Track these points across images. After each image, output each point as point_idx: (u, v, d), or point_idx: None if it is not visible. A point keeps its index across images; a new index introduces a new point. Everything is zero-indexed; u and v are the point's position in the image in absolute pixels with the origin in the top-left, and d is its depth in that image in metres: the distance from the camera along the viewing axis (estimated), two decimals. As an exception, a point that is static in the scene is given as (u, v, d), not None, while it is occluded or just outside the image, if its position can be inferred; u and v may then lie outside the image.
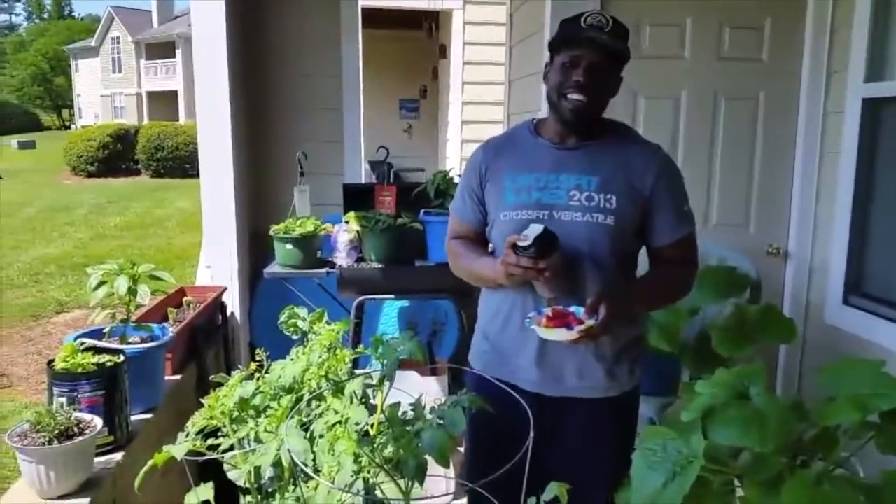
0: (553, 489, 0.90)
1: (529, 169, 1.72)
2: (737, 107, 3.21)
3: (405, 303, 3.28)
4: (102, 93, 36.61)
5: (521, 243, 1.53)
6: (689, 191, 3.21)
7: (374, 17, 6.01)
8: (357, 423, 1.14)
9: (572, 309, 1.59)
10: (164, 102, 31.82)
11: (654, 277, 1.79)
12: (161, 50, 32.88)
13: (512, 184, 1.73)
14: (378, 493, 1.11)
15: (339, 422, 1.16)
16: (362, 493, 1.01)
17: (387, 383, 1.31)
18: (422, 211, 2.73)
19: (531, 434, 0.97)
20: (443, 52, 7.07)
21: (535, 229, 1.53)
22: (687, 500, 1.28)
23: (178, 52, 31.36)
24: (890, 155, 2.82)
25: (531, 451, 1.58)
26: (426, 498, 1.01)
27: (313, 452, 1.20)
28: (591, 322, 1.55)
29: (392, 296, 2.88)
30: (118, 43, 36.01)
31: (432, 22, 7.66)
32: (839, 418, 1.26)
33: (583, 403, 1.73)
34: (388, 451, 1.16)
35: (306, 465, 0.99)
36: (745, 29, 3.15)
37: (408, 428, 1.09)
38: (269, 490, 1.46)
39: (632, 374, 1.79)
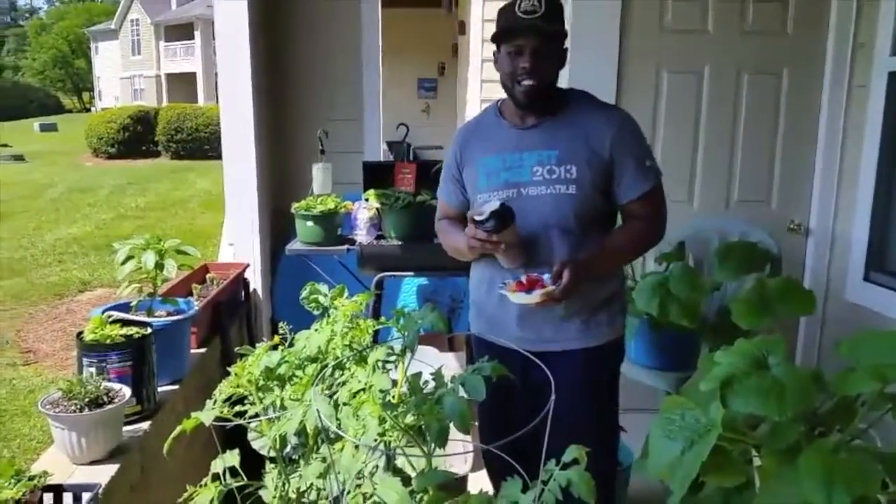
0: (573, 451, 0.91)
1: (495, 151, 1.87)
2: (760, 81, 3.18)
3: (424, 280, 3.30)
4: (122, 75, 36.83)
5: (477, 218, 1.68)
6: (710, 167, 3.21)
7: (391, -4, 5.98)
8: (381, 391, 1.16)
9: (545, 276, 1.74)
10: (183, 84, 31.96)
11: (621, 235, 1.92)
12: (180, 32, 32.96)
13: (482, 167, 1.88)
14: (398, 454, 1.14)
15: (364, 389, 1.18)
16: (388, 451, 1.04)
17: (408, 354, 1.33)
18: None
19: (552, 396, 0.99)
20: (462, 28, 7.03)
21: (493, 205, 1.67)
22: (704, 469, 1.29)
23: (197, 34, 31.44)
24: (915, 129, 2.78)
25: (524, 405, 1.69)
26: (448, 455, 1.03)
27: (338, 419, 1.22)
28: (551, 287, 1.70)
29: (411, 273, 2.91)
30: (137, 25, 36.14)
31: (452, -2, 7.61)
32: (858, 388, 1.26)
33: (564, 356, 1.83)
34: (410, 418, 1.18)
35: (332, 427, 1.02)
36: (769, 2, 3.11)
37: (431, 395, 1.11)
38: (293, 458, 1.50)
39: (611, 325, 1.91)
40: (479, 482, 2.01)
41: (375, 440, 1.05)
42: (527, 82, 1.77)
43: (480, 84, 6.00)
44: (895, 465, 1.25)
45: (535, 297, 1.70)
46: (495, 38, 1.83)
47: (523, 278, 1.76)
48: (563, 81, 2.29)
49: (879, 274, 2.87)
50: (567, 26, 1.89)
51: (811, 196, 3.25)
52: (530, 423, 1.78)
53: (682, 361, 2.61)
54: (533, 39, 1.75)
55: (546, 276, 1.73)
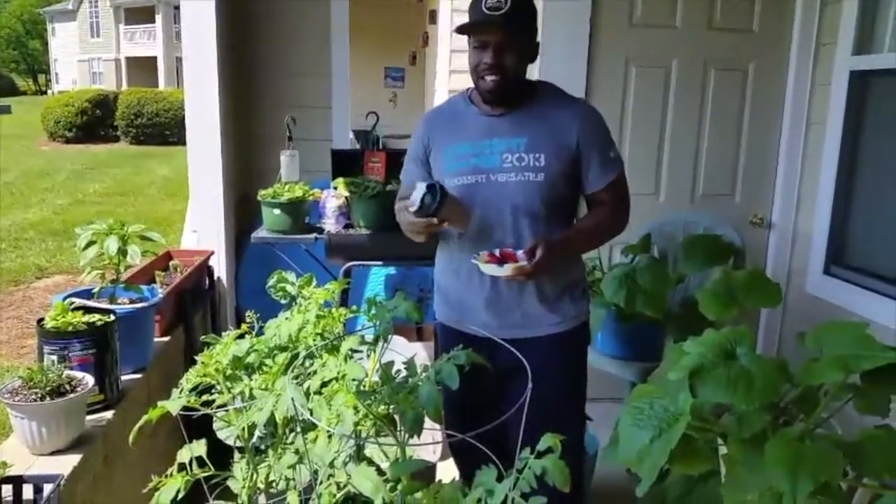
0: (548, 440, 0.92)
1: (466, 137, 1.89)
2: (726, 77, 3.23)
3: (391, 269, 3.29)
4: (80, 57, 35.85)
5: (412, 209, 1.69)
6: (676, 160, 3.27)
7: (360, -17, 5.92)
8: (354, 380, 1.15)
9: (518, 252, 1.78)
10: (143, 68, 31.26)
11: (586, 222, 1.98)
12: (141, 15, 32.18)
13: (451, 152, 1.89)
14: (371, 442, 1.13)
15: (336, 378, 1.17)
16: (362, 440, 1.03)
17: (381, 343, 1.33)
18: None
19: (529, 385, 0.99)
20: (433, 17, 7.00)
21: (420, 190, 1.67)
22: (672, 457, 1.31)
23: (159, 18, 30.75)
24: (875, 127, 2.85)
25: (492, 391, 1.70)
26: (420, 444, 1.02)
27: (309, 409, 1.21)
28: (523, 262, 1.73)
29: (380, 262, 2.89)
30: (96, 6, 35.18)
31: (422, -13, 7.57)
32: (823, 377, 1.29)
33: (532, 342, 1.84)
34: (383, 407, 1.17)
35: (308, 416, 1.01)
36: (737, -1, 3.16)
37: (407, 383, 1.10)
38: (261, 447, 1.48)
39: (576, 309, 1.95)
40: (447, 470, 2.01)
41: (350, 429, 1.04)
42: (488, 77, 1.80)
43: (449, 74, 6.00)
44: (856, 453, 1.29)
45: (507, 269, 1.73)
46: (461, 31, 1.84)
47: (497, 252, 1.79)
48: (534, 75, 2.31)
49: (839, 268, 2.95)
50: (538, 21, 1.90)
51: (774, 190, 3.31)
52: (497, 407, 1.80)
53: (646, 351, 2.65)
54: (495, 35, 1.77)
55: (519, 252, 1.77)
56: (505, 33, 1.77)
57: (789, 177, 3.25)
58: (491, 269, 1.75)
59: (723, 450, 1.43)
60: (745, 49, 3.21)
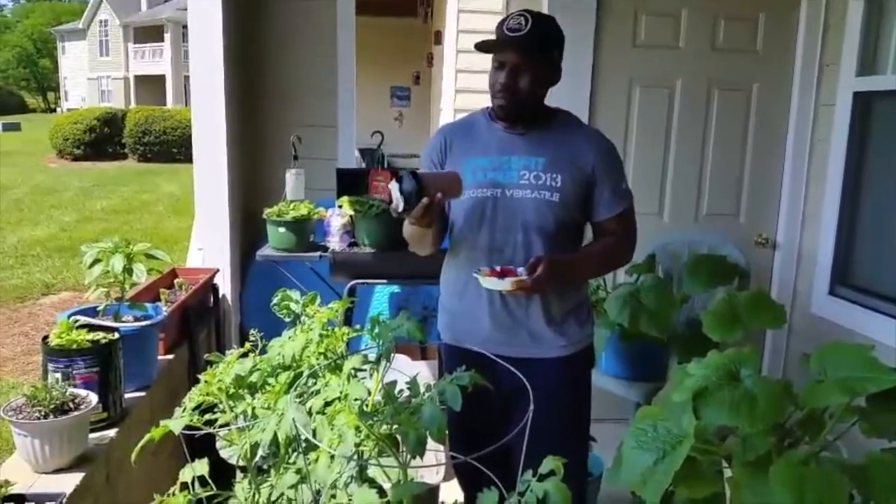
0: (549, 463, 0.91)
1: (484, 151, 1.90)
2: (730, 97, 3.24)
3: (396, 288, 3.29)
4: (89, 76, 36.23)
5: (399, 210, 1.67)
6: (680, 180, 3.28)
7: (367, 4, 5.98)
8: (356, 399, 1.15)
9: (520, 269, 1.78)
10: (151, 86, 31.56)
11: (593, 248, 1.99)
12: (149, 34, 32.57)
13: (468, 165, 1.89)
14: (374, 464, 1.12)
15: (339, 398, 1.17)
16: (364, 461, 1.02)
17: (384, 363, 1.32)
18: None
19: (531, 407, 0.99)
20: (438, 38, 7.04)
21: (394, 188, 1.66)
22: (675, 480, 1.30)
23: (167, 36, 31.11)
24: (879, 149, 2.86)
25: (495, 412, 1.69)
26: (423, 466, 1.02)
27: (312, 429, 1.20)
28: (523, 277, 1.74)
29: (384, 281, 2.89)
30: (106, 26, 35.62)
31: (427, 7, 7.62)
32: (828, 400, 1.28)
33: (538, 363, 1.84)
34: (385, 428, 1.17)
35: (309, 437, 1.00)
36: (740, 20, 3.18)
37: (409, 403, 1.10)
38: (264, 467, 1.47)
39: (582, 333, 1.95)
40: (450, 491, 2.00)
41: (352, 450, 1.04)
42: (500, 99, 1.83)
43: (454, 94, 6.02)
44: (861, 476, 1.27)
45: (506, 283, 1.74)
46: (480, 48, 1.86)
47: (498, 268, 1.81)
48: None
49: (844, 288, 2.94)
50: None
51: (778, 211, 3.31)
52: (500, 429, 1.79)
53: (651, 372, 2.64)
54: (512, 56, 1.79)
55: (521, 269, 1.78)
56: (521, 55, 1.79)
57: (794, 197, 3.25)
58: (491, 283, 1.77)
59: (727, 472, 1.42)
60: (748, 70, 3.22)
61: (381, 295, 3.33)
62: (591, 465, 2.39)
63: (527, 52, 1.79)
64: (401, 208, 1.66)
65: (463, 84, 5.85)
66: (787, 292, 3.24)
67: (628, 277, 2.66)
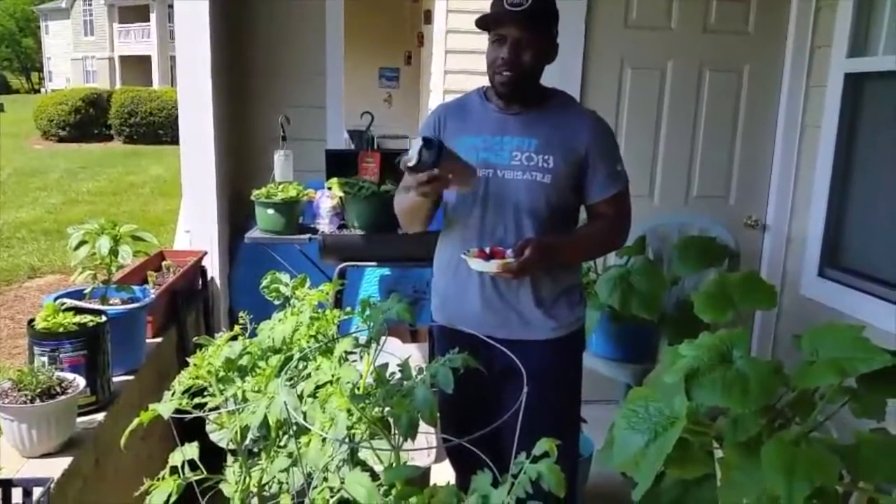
0: (543, 444, 0.91)
1: (477, 131, 1.89)
2: (721, 79, 3.23)
3: (386, 270, 3.27)
4: (73, 56, 35.75)
5: (409, 164, 1.62)
6: (671, 162, 3.27)
7: (355, -17, 5.90)
8: (348, 382, 1.14)
9: (508, 251, 1.78)
10: (137, 67, 31.20)
11: (584, 230, 1.98)
12: (135, 13, 32.12)
13: (461, 144, 1.87)
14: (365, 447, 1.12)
15: (330, 381, 1.16)
16: (355, 444, 1.02)
17: (375, 345, 1.31)
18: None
19: (525, 390, 0.98)
20: (427, 17, 6.98)
21: (417, 143, 1.61)
22: (668, 461, 1.31)
23: (153, 16, 30.69)
24: (869, 130, 2.86)
25: (486, 393, 1.69)
26: (416, 450, 1.01)
27: (303, 412, 1.20)
28: (510, 259, 1.73)
29: (374, 263, 2.88)
30: (90, 5, 35.09)
31: (417, -14, 7.55)
32: (819, 380, 1.28)
33: (529, 345, 1.83)
34: (376, 410, 1.16)
35: (301, 421, 0.99)
36: (732, 1, 3.17)
37: (401, 385, 1.09)
38: (254, 450, 1.46)
39: (573, 315, 1.95)
40: (442, 473, 2.00)
41: (344, 433, 1.03)
42: (504, 72, 1.80)
43: (444, 74, 5.98)
44: (851, 456, 1.28)
45: (492, 265, 1.73)
46: (480, 25, 1.85)
47: (487, 249, 1.80)
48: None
49: (833, 270, 2.95)
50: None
51: (768, 193, 3.32)
52: (491, 409, 1.80)
53: (641, 353, 2.65)
54: (514, 31, 1.77)
55: (509, 251, 1.78)
56: (524, 30, 1.77)
57: (784, 179, 3.25)
58: (478, 265, 1.76)
59: (718, 453, 1.42)
60: (739, 51, 3.21)
61: (371, 277, 3.31)
62: (582, 447, 2.40)
63: (529, 26, 1.78)
64: (410, 163, 1.61)
65: (453, 65, 5.82)
66: (776, 274, 3.26)
67: (618, 259, 2.66)
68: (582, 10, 3.06)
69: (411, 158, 1.61)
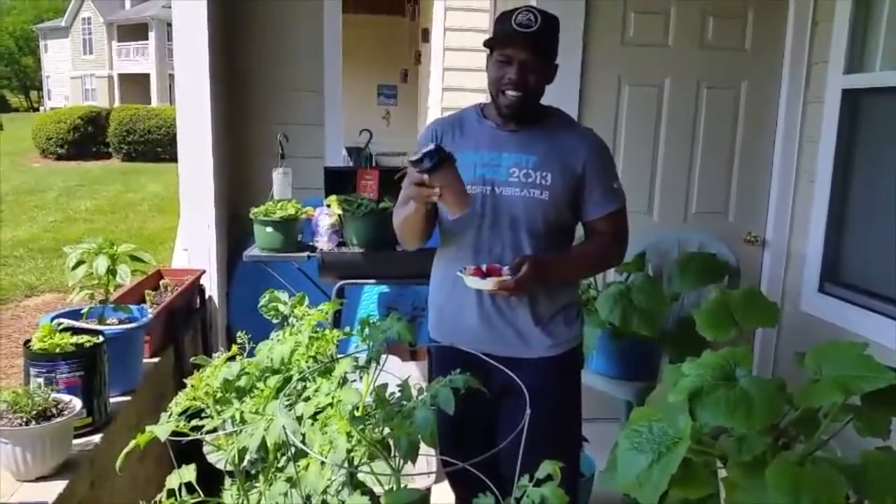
0: (546, 467, 0.89)
1: (475, 147, 1.88)
2: (718, 95, 3.24)
3: (384, 288, 3.26)
4: (73, 74, 35.87)
5: (412, 158, 1.66)
6: (669, 179, 3.28)
7: (354, 2, 5.95)
8: (348, 404, 1.13)
9: (504, 268, 1.78)
10: (136, 85, 31.32)
11: (582, 248, 1.98)
12: (133, 32, 32.31)
13: (459, 161, 1.85)
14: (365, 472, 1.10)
15: (331, 403, 1.14)
16: (355, 469, 1.00)
17: (375, 365, 1.30)
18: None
19: (528, 411, 0.96)
20: (425, 35, 7.02)
21: (429, 147, 1.65)
22: (671, 481, 1.29)
23: (152, 35, 30.89)
24: (867, 145, 2.86)
25: (485, 411, 1.67)
26: (417, 474, 1.00)
27: (302, 434, 1.18)
28: (507, 277, 1.74)
29: (373, 281, 2.87)
30: (89, 24, 35.26)
31: (415, 4, 7.60)
32: (824, 399, 1.27)
33: (526, 363, 1.82)
34: (376, 431, 1.15)
35: (300, 445, 0.98)
36: (729, 18, 3.18)
37: (400, 406, 1.08)
38: (252, 472, 1.44)
39: (570, 333, 1.94)
40: (442, 493, 1.98)
41: (343, 457, 1.01)
42: (510, 93, 1.81)
43: (442, 92, 6.00)
44: (858, 476, 1.27)
45: (489, 283, 1.74)
46: (488, 44, 1.85)
47: (483, 266, 1.80)
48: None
49: (834, 286, 2.94)
50: None
51: (767, 208, 3.31)
52: (488, 426, 1.78)
53: (641, 371, 2.63)
54: (522, 52, 1.78)
55: (506, 269, 1.78)
56: (531, 52, 1.79)
57: (783, 195, 3.25)
58: (474, 283, 1.76)
59: (722, 472, 1.41)
60: (737, 67, 3.22)
61: (370, 295, 3.30)
62: (583, 466, 2.38)
63: (538, 48, 1.79)
64: (413, 158, 1.66)
65: (450, 82, 5.84)
66: (776, 290, 3.25)
67: (618, 276, 2.65)
68: (579, 28, 3.08)
69: (416, 154, 1.65)
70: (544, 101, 1.94)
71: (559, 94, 2.73)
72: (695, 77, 3.21)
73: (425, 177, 1.66)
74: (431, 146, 1.65)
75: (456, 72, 5.79)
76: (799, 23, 3.12)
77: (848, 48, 2.86)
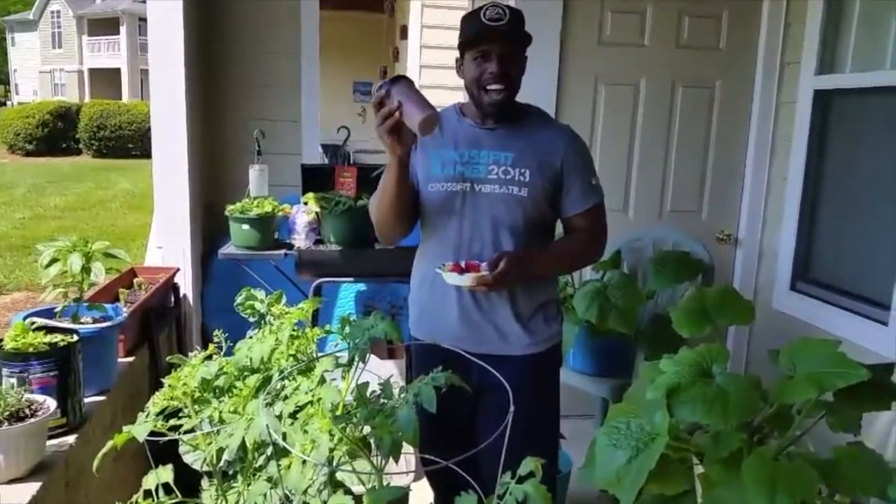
0: (528, 464, 0.90)
1: (454, 146, 1.88)
2: (693, 95, 3.27)
3: (362, 286, 3.25)
4: (41, 69, 35.18)
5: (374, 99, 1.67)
6: (645, 177, 3.30)
7: (330, -3, 5.91)
8: (329, 403, 1.12)
9: (482, 264, 1.79)
10: (107, 80, 30.81)
11: (560, 244, 1.99)
12: (104, 26, 31.77)
13: (438, 157, 1.89)
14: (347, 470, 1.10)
15: (311, 402, 1.14)
16: (336, 468, 1.00)
17: (357, 364, 1.30)
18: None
19: (511, 409, 0.97)
20: (403, 32, 7.00)
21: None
22: (649, 477, 1.30)
23: (123, 29, 30.41)
24: (838, 145, 2.91)
25: (464, 408, 1.67)
26: (397, 473, 1.00)
27: (283, 433, 1.18)
28: (485, 272, 1.74)
29: (350, 279, 2.86)
30: (58, 17, 34.59)
31: (393, 1, 7.57)
32: (797, 395, 1.29)
33: (505, 361, 1.81)
34: (358, 430, 1.14)
35: (282, 443, 0.97)
36: (704, 18, 3.21)
37: (382, 404, 1.08)
38: (230, 472, 1.43)
39: (549, 331, 1.94)
40: (421, 491, 1.98)
41: (326, 456, 1.01)
42: (494, 86, 1.80)
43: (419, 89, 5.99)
44: (830, 471, 1.29)
45: (467, 279, 1.74)
46: (461, 46, 1.86)
47: (462, 263, 1.81)
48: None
49: (805, 284, 2.99)
50: None
51: (740, 207, 3.36)
52: (468, 422, 1.78)
53: (617, 368, 2.66)
54: (499, 45, 1.79)
55: (484, 265, 1.79)
56: (509, 44, 1.80)
57: (755, 193, 3.29)
58: (452, 279, 1.77)
59: (698, 469, 1.43)
60: (711, 67, 3.26)
61: (348, 293, 3.29)
62: (560, 463, 2.40)
63: (512, 40, 1.81)
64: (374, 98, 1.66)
65: (428, 80, 5.83)
66: (748, 288, 3.29)
67: (595, 274, 2.67)
68: (556, 28, 3.09)
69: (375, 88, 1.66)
70: (523, 98, 1.95)
71: (537, 93, 2.75)
72: (670, 76, 3.24)
73: (382, 92, 1.66)
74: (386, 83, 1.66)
75: (433, 69, 5.79)
76: (772, 24, 3.16)
77: (819, 50, 2.91)
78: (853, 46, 2.80)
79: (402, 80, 1.68)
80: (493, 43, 1.79)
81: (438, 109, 1.90)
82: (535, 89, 2.95)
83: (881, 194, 2.68)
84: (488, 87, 1.81)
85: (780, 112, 3.17)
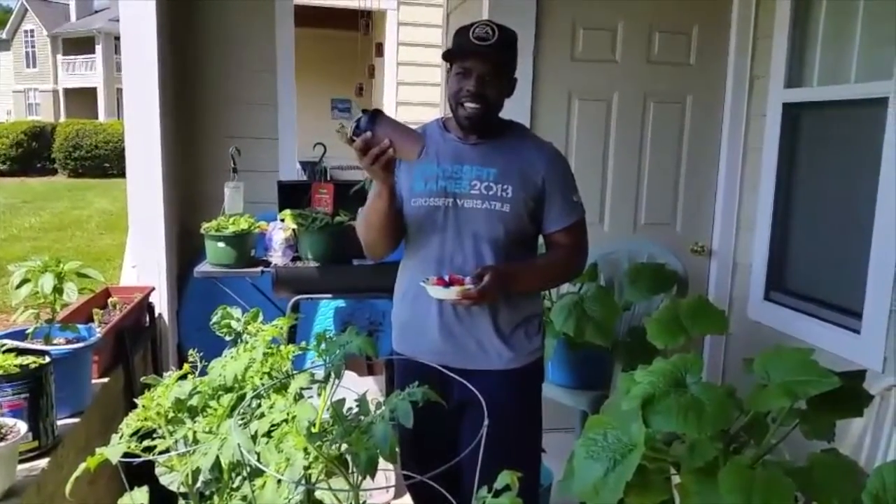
0: (505, 478, 0.90)
1: (437, 161, 1.90)
2: (665, 109, 3.31)
3: (341, 302, 3.24)
4: (15, 88, 34.79)
5: (351, 133, 1.69)
6: (619, 190, 3.33)
7: (307, 16, 5.93)
8: (304, 420, 1.12)
9: (467, 278, 1.79)
10: (82, 100, 30.53)
11: (542, 259, 2.01)
12: (79, 45, 31.52)
13: (420, 172, 1.90)
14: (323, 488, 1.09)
15: (286, 420, 1.13)
16: (313, 486, 0.99)
17: (333, 381, 1.29)
18: (360, 209, 2.70)
19: (486, 422, 0.97)
20: (379, 50, 7.04)
21: (355, 119, 1.69)
22: (626, 488, 1.31)
23: (98, 48, 30.20)
24: (808, 157, 2.97)
25: (445, 424, 1.66)
26: (375, 489, 0.99)
27: (257, 453, 1.17)
28: (469, 286, 1.75)
29: (329, 295, 2.85)
30: (32, 36, 34.27)
31: (368, 19, 7.60)
32: (771, 404, 1.31)
33: (487, 375, 1.83)
34: (334, 448, 1.14)
35: (255, 463, 0.97)
36: (674, 34, 3.26)
37: (359, 421, 1.07)
38: (206, 493, 1.42)
39: (531, 346, 1.95)
40: (401, 509, 1.97)
41: (300, 474, 1.00)
42: (469, 104, 1.83)
43: (396, 106, 6.01)
44: (805, 478, 1.30)
45: (451, 292, 1.75)
46: (446, 57, 1.88)
47: (446, 277, 1.81)
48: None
49: (779, 293, 3.03)
50: None
51: (713, 219, 3.40)
52: (448, 438, 1.78)
53: (595, 380, 2.67)
54: (480, 65, 1.81)
55: (468, 279, 1.79)
56: (490, 64, 1.81)
57: (728, 205, 3.34)
58: (437, 292, 1.78)
59: (676, 479, 1.43)
60: (682, 82, 3.31)
61: (326, 310, 3.28)
62: (541, 476, 2.39)
63: (495, 61, 1.82)
64: (349, 133, 1.67)
65: (404, 96, 5.87)
66: (723, 298, 3.33)
67: (572, 287, 2.68)
68: (529, 44, 3.12)
69: (349, 130, 1.67)
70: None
71: (510, 108, 2.76)
72: (642, 91, 3.29)
73: (368, 134, 1.67)
74: (361, 116, 1.67)
75: (409, 86, 5.82)
76: (741, 39, 3.22)
77: (787, 64, 2.97)
78: (819, 61, 2.86)
79: (380, 115, 1.70)
80: (475, 61, 1.81)
81: (418, 126, 1.92)
82: (510, 104, 2.97)
83: (850, 204, 2.73)
84: (464, 104, 1.83)
85: (751, 125, 3.22)
